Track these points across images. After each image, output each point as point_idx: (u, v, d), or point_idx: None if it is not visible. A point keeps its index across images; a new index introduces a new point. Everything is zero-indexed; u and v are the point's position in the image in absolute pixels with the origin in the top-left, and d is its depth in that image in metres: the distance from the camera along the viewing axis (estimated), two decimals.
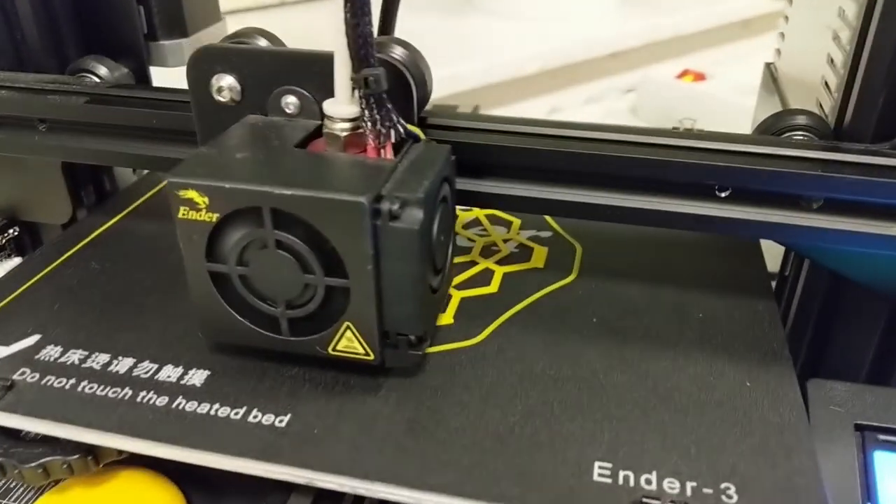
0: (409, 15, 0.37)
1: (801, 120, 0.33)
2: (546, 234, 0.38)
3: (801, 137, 0.32)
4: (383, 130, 0.27)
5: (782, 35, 0.46)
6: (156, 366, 0.29)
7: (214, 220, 0.25)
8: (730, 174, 0.29)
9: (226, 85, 0.31)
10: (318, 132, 0.29)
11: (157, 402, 0.27)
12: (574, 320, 0.31)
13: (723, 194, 0.30)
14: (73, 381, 0.28)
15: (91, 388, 0.28)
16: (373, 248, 0.25)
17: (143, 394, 0.27)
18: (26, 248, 0.46)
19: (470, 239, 0.38)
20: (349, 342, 0.27)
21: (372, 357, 0.27)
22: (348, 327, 0.27)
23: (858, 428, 0.29)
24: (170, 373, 0.28)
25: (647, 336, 0.31)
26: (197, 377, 0.28)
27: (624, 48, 1.17)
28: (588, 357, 0.29)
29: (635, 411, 0.27)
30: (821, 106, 0.35)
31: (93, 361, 0.29)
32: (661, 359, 0.29)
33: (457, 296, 0.33)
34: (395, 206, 0.25)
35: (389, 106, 0.27)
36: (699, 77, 1.04)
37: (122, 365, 0.29)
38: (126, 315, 0.32)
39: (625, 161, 0.30)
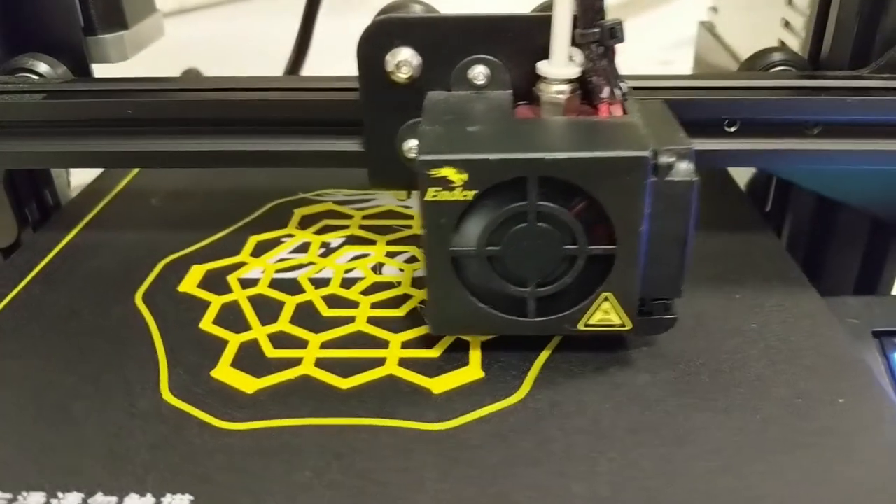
0: None
1: (779, 56, 0.35)
2: None
3: (784, 71, 0.35)
4: (620, 86, 0.26)
5: None
6: (114, 499, 0.23)
7: (470, 197, 0.24)
8: (739, 107, 0.31)
9: (404, 59, 0.28)
10: (515, 102, 0.28)
11: None
12: (621, 343, 0.28)
13: (731, 129, 0.32)
14: None
15: None
16: (648, 207, 0.24)
17: None
18: None
19: None
20: (605, 314, 0.26)
21: (629, 327, 0.26)
22: (606, 298, 0.25)
23: (876, 335, 0.32)
24: None
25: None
26: None
27: None
28: (658, 392, 0.26)
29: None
30: (782, 45, 0.38)
31: None
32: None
33: (475, 341, 0.28)
34: (671, 160, 0.24)
35: (616, 60, 0.26)
36: None
37: None
38: (55, 423, 0.26)
39: None
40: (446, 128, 0.26)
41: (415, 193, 0.41)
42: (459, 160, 0.23)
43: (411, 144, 0.31)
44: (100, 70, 0.40)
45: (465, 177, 0.24)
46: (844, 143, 0.31)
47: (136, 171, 0.45)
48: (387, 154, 0.31)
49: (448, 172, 0.24)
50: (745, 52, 0.41)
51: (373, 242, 0.36)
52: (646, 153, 0.23)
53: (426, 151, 0.24)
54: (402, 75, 0.29)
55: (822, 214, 0.37)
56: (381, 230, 0.37)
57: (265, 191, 0.41)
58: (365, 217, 0.39)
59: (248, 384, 0.27)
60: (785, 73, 0.34)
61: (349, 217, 0.39)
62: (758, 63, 0.35)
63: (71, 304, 0.32)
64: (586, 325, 0.26)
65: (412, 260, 0.35)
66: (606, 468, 0.23)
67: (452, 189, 0.24)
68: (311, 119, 0.33)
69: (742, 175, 0.42)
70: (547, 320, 0.26)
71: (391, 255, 0.35)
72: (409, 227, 0.37)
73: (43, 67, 0.37)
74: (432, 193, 0.24)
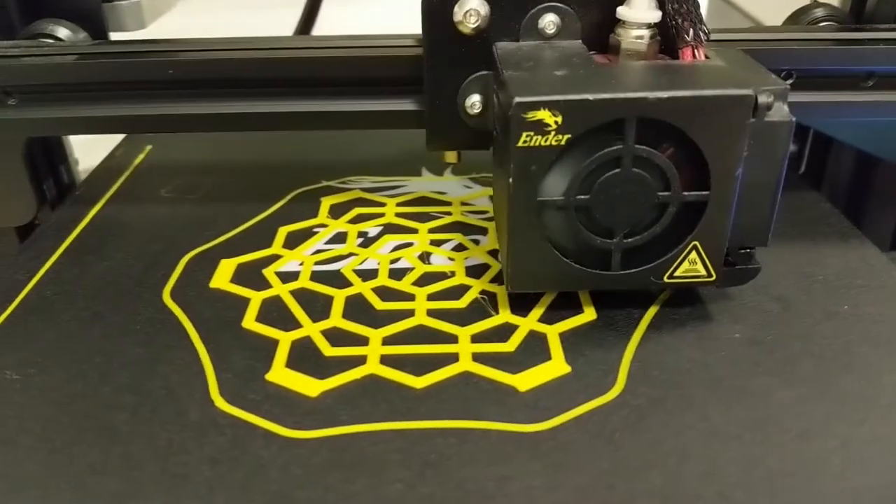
0: None
1: (822, 12, 0.35)
2: None
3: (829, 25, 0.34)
4: (704, 28, 0.25)
5: None
6: None
7: (563, 142, 0.23)
8: (798, 58, 0.30)
9: (472, 8, 0.27)
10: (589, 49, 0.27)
11: None
12: (710, 332, 0.26)
13: (788, 81, 0.31)
14: None
15: None
16: (746, 149, 0.23)
17: None
18: None
19: None
20: (691, 265, 0.25)
21: (714, 278, 0.25)
22: (695, 248, 0.25)
23: None
24: None
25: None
26: None
27: None
28: (765, 383, 0.24)
29: None
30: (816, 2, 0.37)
31: None
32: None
33: (551, 333, 0.26)
34: (770, 100, 0.23)
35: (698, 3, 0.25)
36: None
37: None
38: (97, 440, 0.23)
39: None
40: (531, 73, 0.25)
41: (447, 174, 0.38)
42: (557, 101, 0.22)
43: (475, 100, 0.29)
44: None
45: (559, 119, 0.23)
46: None
47: (144, 153, 0.41)
48: (447, 112, 0.30)
49: (544, 115, 0.22)
50: (761, 14, 0.41)
51: (413, 231, 0.34)
52: (750, 91, 0.23)
53: (520, 94, 0.23)
54: (470, 25, 0.28)
55: (861, 173, 0.38)
56: (420, 218, 0.34)
57: (285, 180, 0.38)
58: (399, 205, 0.36)
59: (310, 387, 0.24)
60: (831, 26, 0.34)
61: (382, 205, 0.36)
62: (801, 18, 0.35)
63: (90, 305, 0.29)
64: (671, 278, 0.25)
65: (459, 248, 0.32)
66: (731, 469, 0.21)
67: (546, 133, 0.23)
68: (365, 78, 0.31)
69: None
70: (631, 273, 0.25)
71: (436, 243, 0.32)
72: (449, 213, 0.35)
73: (63, 32, 0.34)
74: (525, 139, 0.23)
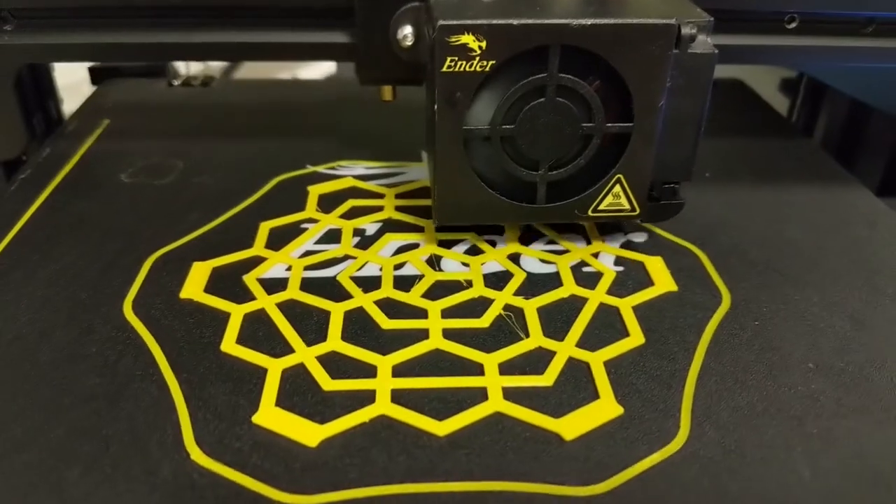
0: None
1: None
2: (640, 237, 0.28)
3: None
4: None
5: None
6: None
7: (488, 68, 0.23)
8: (801, 1, 0.31)
9: None
10: None
11: None
12: (777, 363, 0.23)
13: (791, 25, 0.31)
14: None
15: None
16: (669, 80, 0.24)
17: None
18: None
19: (544, 260, 0.27)
20: (615, 198, 0.26)
21: (637, 212, 0.26)
22: (619, 181, 0.25)
23: None
24: None
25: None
26: None
27: None
28: (830, 413, 0.21)
29: None
30: None
31: None
32: None
33: (595, 361, 0.22)
34: (693, 31, 0.23)
35: None
36: None
37: None
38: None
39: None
40: (460, 0, 0.24)
41: None
42: (481, 25, 0.23)
43: (407, 31, 0.29)
44: None
45: (483, 44, 0.23)
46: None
47: (101, 128, 0.36)
48: (378, 44, 0.30)
49: (468, 40, 0.23)
50: None
51: (419, 229, 0.29)
52: (672, 22, 0.23)
53: (445, 17, 0.23)
54: None
55: (853, 123, 0.40)
56: (424, 212, 0.30)
57: (264, 164, 0.33)
58: (399, 196, 0.31)
59: (308, 434, 0.20)
60: None
61: (379, 196, 0.31)
62: None
63: (36, 321, 0.24)
64: (595, 211, 0.26)
65: (474, 251, 0.28)
66: None
67: (471, 59, 0.23)
68: (295, 8, 0.31)
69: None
70: (556, 206, 0.26)
71: (445, 244, 0.28)
72: None
73: None
74: (448, 63, 0.23)
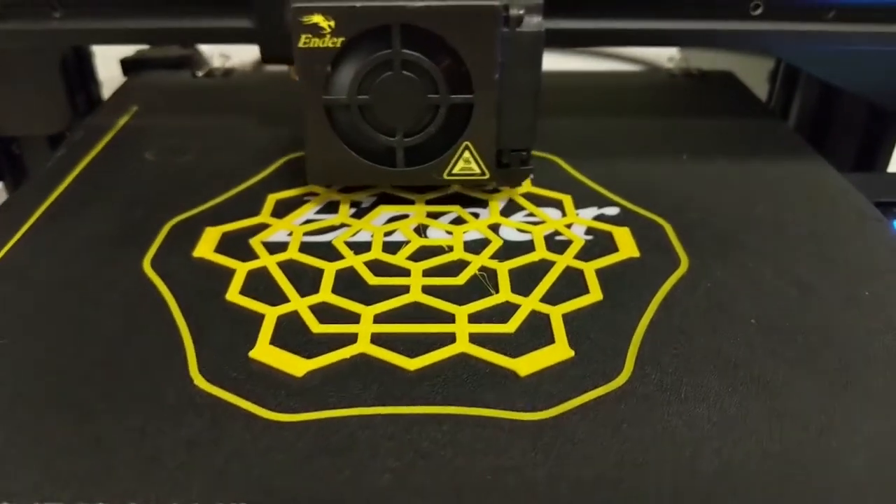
0: None
1: None
2: (612, 210, 0.31)
3: None
4: None
5: None
6: None
7: (339, 45, 0.26)
8: None
9: None
10: None
11: None
12: (723, 319, 0.25)
13: (756, 12, 0.34)
14: None
15: None
16: (500, 56, 0.27)
17: None
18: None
19: (520, 230, 0.30)
20: (466, 164, 0.29)
21: (487, 176, 0.29)
22: (467, 147, 0.28)
23: (877, 205, 0.32)
24: None
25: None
26: None
27: None
28: (778, 377, 0.22)
29: None
30: None
31: None
32: None
33: (554, 314, 0.25)
34: (521, 12, 0.26)
35: None
36: None
37: None
38: (68, 419, 0.21)
39: None
40: None
41: None
42: (327, 7, 0.26)
43: None
44: None
45: (332, 23, 0.26)
46: (857, 26, 0.34)
47: (130, 115, 0.40)
48: (277, 27, 0.31)
49: (318, 19, 0.26)
50: None
51: (410, 202, 0.32)
52: (496, 3, 0.26)
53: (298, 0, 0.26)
54: None
55: (825, 104, 0.43)
56: (417, 188, 0.33)
57: (272, 145, 0.36)
58: None
59: (296, 366, 0.23)
60: None
61: None
62: None
63: (66, 272, 0.27)
64: (450, 175, 0.29)
65: (458, 221, 0.30)
66: (748, 466, 0.19)
67: (323, 36, 0.26)
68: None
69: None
70: (415, 170, 0.29)
71: (433, 215, 0.31)
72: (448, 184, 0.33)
73: None
74: (304, 40, 0.26)
